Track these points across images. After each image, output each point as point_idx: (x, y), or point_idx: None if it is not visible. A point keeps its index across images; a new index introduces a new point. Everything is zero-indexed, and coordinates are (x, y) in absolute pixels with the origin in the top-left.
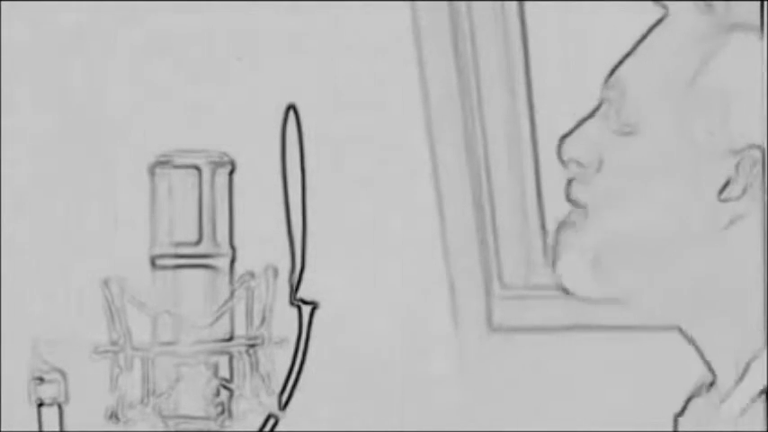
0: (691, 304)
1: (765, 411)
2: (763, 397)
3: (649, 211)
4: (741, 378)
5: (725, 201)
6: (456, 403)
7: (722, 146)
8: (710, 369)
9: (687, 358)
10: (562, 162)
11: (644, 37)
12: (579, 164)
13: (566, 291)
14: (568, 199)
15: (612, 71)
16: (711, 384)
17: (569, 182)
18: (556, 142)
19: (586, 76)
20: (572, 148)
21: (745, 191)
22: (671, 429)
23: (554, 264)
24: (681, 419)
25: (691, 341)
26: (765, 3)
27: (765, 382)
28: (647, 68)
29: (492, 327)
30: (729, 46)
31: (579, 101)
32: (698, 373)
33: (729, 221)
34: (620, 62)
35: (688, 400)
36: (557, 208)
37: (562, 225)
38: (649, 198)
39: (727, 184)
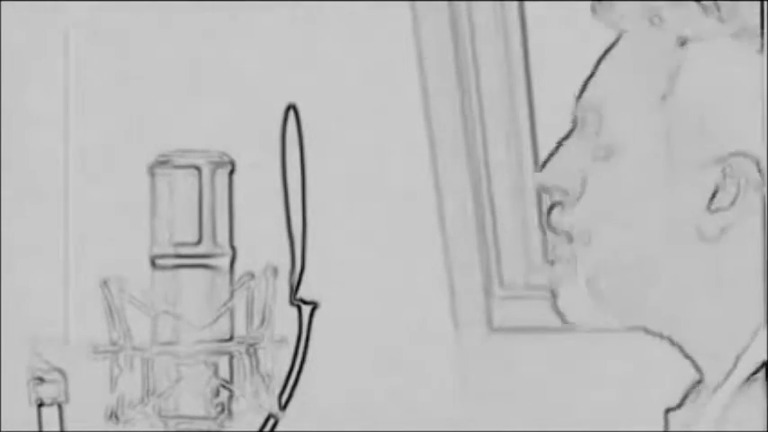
0: (684, 314)
1: (766, 411)
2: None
3: (637, 231)
4: (731, 371)
5: (715, 211)
6: (456, 403)
7: (705, 156)
8: (696, 367)
9: (685, 360)
10: (544, 190)
11: (602, 58)
12: (561, 189)
13: (573, 325)
14: (549, 226)
15: (580, 93)
16: (699, 382)
17: (550, 209)
18: (556, 142)
19: (586, 76)
20: (554, 175)
21: (734, 200)
22: (672, 429)
23: (555, 300)
24: (671, 415)
25: (676, 344)
26: (765, 3)
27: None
28: (616, 89)
29: (492, 327)
30: (690, 58)
31: None
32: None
33: (720, 231)
34: (585, 84)
35: (683, 399)
36: None
37: (553, 260)
38: (636, 218)
39: (715, 194)
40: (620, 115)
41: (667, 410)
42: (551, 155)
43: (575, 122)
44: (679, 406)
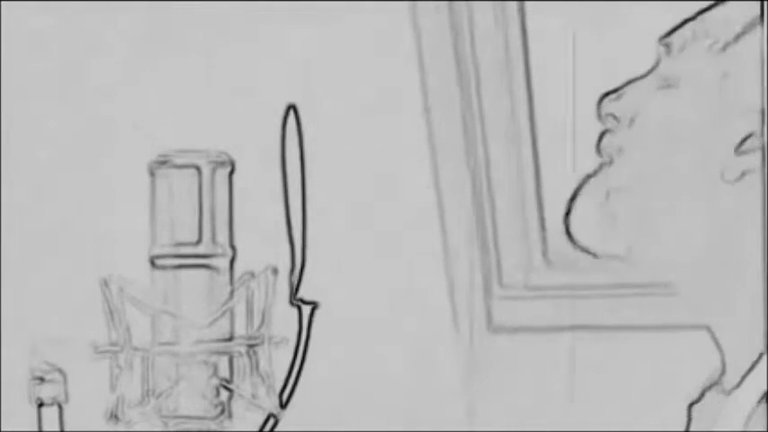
0: (690, 264)
1: (766, 411)
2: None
3: (664, 163)
4: (748, 372)
5: (742, 153)
6: (456, 403)
7: (748, 105)
8: (723, 361)
9: (687, 359)
10: (599, 117)
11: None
12: (615, 117)
13: (573, 241)
14: (597, 150)
15: (671, 32)
16: (721, 377)
17: (602, 134)
18: (556, 142)
19: (586, 76)
20: (611, 104)
21: (758, 146)
22: (670, 429)
23: (568, 212)
24: (695, 407)
25: (712, 335)
26: (765, 3)
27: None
28: (685, 32)
29: (492, 327)
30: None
31: (579, 101)
32: (697, 375)
33: (741, 174)
34: (671, 31)
35: (703, 392)
36: (557, 208)
37: (587, 176)
38: (667, 151)
39: (748, 138)
40: (684, 53)
41: (691, 404)
42: (622, 87)
43: (653, 66)
44: (700, 398)
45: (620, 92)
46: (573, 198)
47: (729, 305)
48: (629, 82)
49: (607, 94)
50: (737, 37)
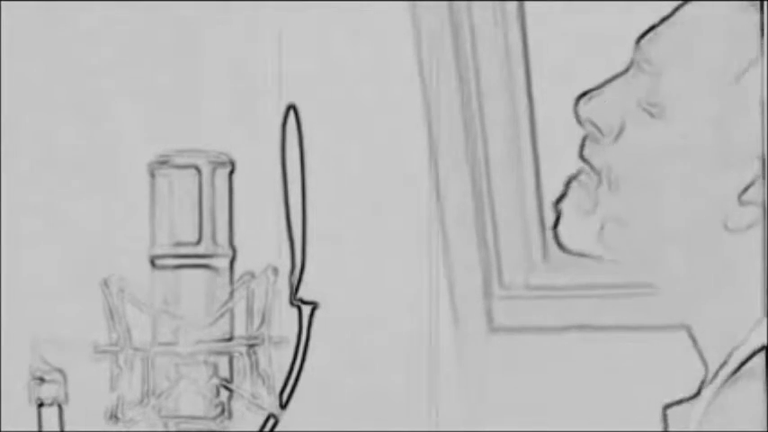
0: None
1: (766, 411)
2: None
3: (666, 194)
4: (723, 364)
5: (744, 204)
6: (456, 403)
7: (751, 150)
8: (703, 361)
9: (687, 358)
10: (578, 119)
11: (669, 16)
12: (596, 127)
13: (561, 246)
14: (581, 156)
15: (643, 34)
16: (702, 382)
17: (584, 139)
18: (556, 142)
19: (586, 76)
20: (590, 111)
21: (761, 197)
22: (671, 429)
23: (557, 219)
24: (669, 412)
25: (691, 337)
26: (765, 3)
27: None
28: (686, 57)
29: (492, 327)
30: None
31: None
32: (697, 374)
33: (746, 226)
34: (657, 25)
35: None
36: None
37: (573, 182)
38: (669, 182)
39: (750, 186)
40: (682, 84)
41: (666, 407)
42: (598, 88)
43: (630, 65)
44: (678, 402)
45: (594, 94)
46: (558, 200)
47: (709, 305)
48: (605, 83)
49: (583, 94)
50: (737, 77)
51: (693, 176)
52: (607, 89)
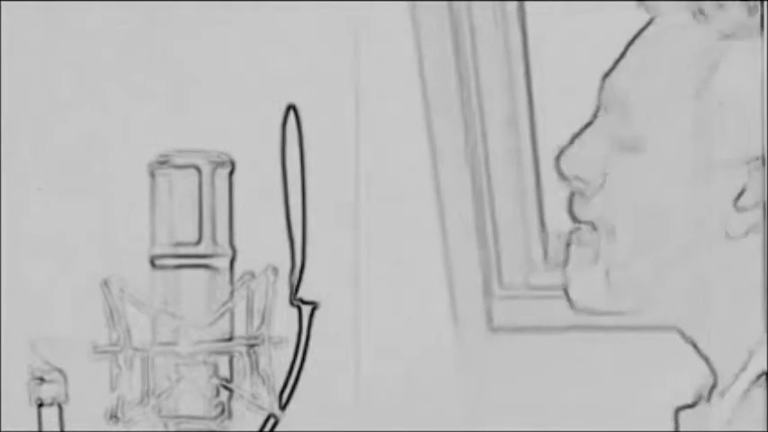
0: (694, 308)
1: (766, 411)
2: (761, 385)
3: (661, 224)
4: (744, 368)
5: (740, 210)
6: (456, 403)
7: (734, 156)
8: (710, 367)
9: (687, 358)
10: (562, 177)
11: (633, 40)
12: (581, 180)
13: (577, 308)
14: (571, 215)
15: (606, 75)
16: (713, 387)
17: (571, 196)
18: (556, 142)
19: (586, 76)
20: (573, 164)
21: (757, 201)
22: (671, 429)
23: (567, 286)
24: (683, 414)
25: (690, 341)
26: (765, 3)
27: (765, 367)
28: (646, 81)
29: (492, 327)
30: (731, 56)
31: (579, 102)
32: (698, 373)
33: (746, 232)
34: (613, 67)
35: (694, 403)
36: (557, 208)
37: (572, 243)
38: (662, 213)
39: (742, 193)
40: (650, 108)
41: (678, 409)
42: (571, 142)
43: (597, 109)
44: (691, 406)
45: (569, 149)
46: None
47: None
48: (575, 136)
49: (563, 150)
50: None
51: (685, 196)
52: (578, 141)
